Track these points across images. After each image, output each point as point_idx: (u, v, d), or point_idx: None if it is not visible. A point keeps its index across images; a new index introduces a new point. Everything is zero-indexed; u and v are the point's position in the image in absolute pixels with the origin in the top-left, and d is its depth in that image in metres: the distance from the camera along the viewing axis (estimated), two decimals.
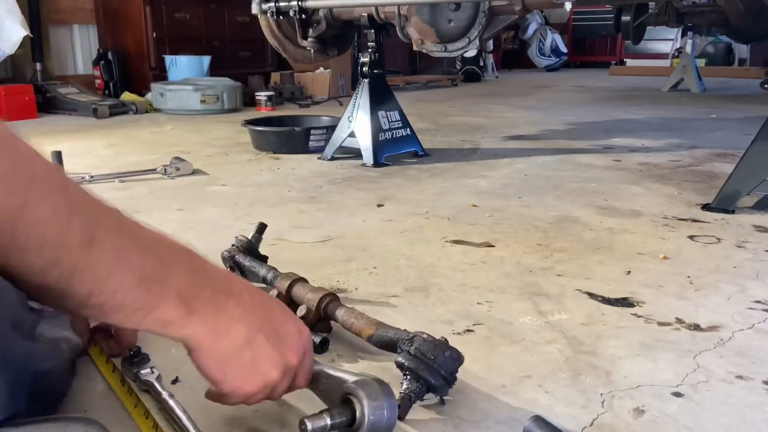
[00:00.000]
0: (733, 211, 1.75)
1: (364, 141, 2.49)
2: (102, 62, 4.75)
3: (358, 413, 0.68)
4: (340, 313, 0.97)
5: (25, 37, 3.89)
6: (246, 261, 1.16)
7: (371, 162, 2.45)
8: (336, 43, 2.82)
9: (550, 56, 9.43)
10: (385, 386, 0.70)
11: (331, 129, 2.69)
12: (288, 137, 2.75)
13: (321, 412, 0.68)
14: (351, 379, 0.71)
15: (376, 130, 2.49)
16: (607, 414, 0.80)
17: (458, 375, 0.83)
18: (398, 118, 2.60)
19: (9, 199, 0.47)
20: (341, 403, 0.70)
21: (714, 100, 4.91)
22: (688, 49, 5.64)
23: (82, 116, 4.12)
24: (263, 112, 4.28)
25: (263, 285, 1.15)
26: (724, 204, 1.76)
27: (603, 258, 1.40)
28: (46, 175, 0.50)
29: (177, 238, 0.64)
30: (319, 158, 2.60)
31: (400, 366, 0.83)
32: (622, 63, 9.42)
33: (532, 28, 9.33)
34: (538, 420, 0.72)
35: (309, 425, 0.66)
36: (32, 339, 0.65)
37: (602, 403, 0.83)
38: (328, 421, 0.67)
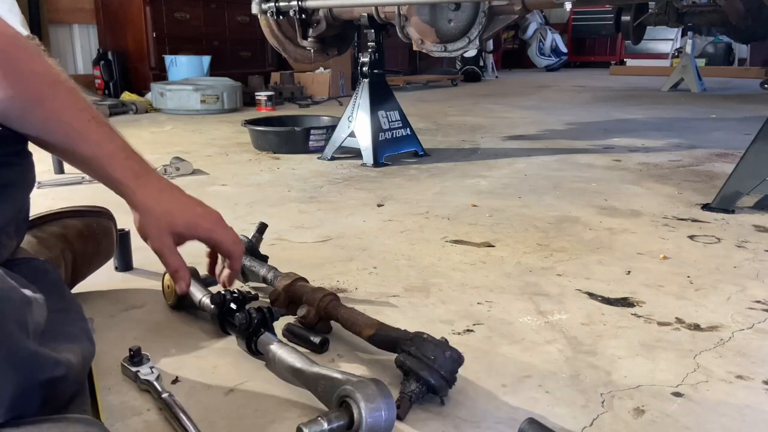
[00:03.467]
0: (733, 211, 1.75)
1: (364, 141, 2.49)
2: (102, 62, 4.75)
3: (355, 416, 0.67)
4: (340, 313, 0.97)
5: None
6: (246, 261, 1.16)
7: (371, 162, 2.45)
8: (336, 43, 2.82)
9: (550, 56, 9.43)
10: (381, 387, 0.70)
11: (331, 129, 2.69)
12: (288, 137, 2.75)
13: (318, 417, 0.68)
14: (348, 380, 0.71)
15: (376, 130, 2.49)
16: (607, 414, 0.80)
17: (458, 375, 0.83)
18: (398, 118, 2.60)
19: (43, 88, 0.78)
20: (339, 406, 0.70)
21: (714, 100, 4.91)
22: (688, 49, 5.64)
23: None
24: (263, 112, 4.28)
25: (264, 285, 1.15)
26: (724, 204, 1.76)
27: (603, 258, 1.40)
28: (66, 79, 0.82)
29: None
30: (319, 158, 2.60)
31: (400, 366, 0.83)
32: (622, 63, 9.42)
33: (532, 28, 9.33)
34: (533, 423, 0.72)
35: (306, 431, 0.66)
36: (40, 343, 0.64)
37: (602, 403, 0.83)
38: (326, 426, 0.67)
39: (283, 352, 0.84)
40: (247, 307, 0.95)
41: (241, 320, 0.91)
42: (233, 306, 0.96)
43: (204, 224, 0.90)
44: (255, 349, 0.90)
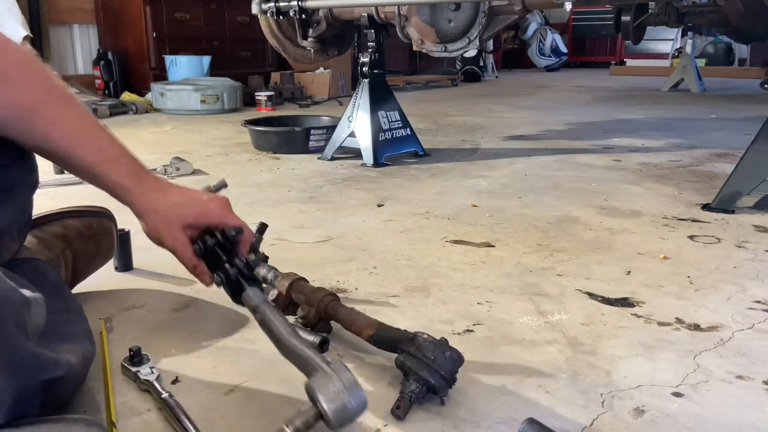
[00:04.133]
0: (733, 211, 1.75)
1: (364, 141, 2.49)
2: (102, 62, 4.75)
3: (322, 413, 0.68)
4: (340, 313, 0.97)
5: (25, 37, 3.89)
6: None
7: (371, 162, 2.45)
8: (336, 43, 2.82)
9: (550, 56, 9.42)
10: (345, 376, 0.69)
11: (331, 129, 2.69)
12: (288, 137, 2.75)
13: (283, 426, 0.68)
14: (311, 370, 0.71)
15: (376, 130, 2.49)
16: (607, 414, 0.80)
17: (458, 375, 0.83)
18: (398, 118, 2.60)
19: (37, 97, 0.77)
20: (310, 398, 0.70)
21: (714, 100, 4.91)
22: (688, 49, 5.64)
23: None
24: (263, 112, 4.28)
25: (264, 285, 1.15)
26: (724, 204, 1.76)
27: (603, 258, 1.40)
28: (61, 86, 0.81)
29: None
30: (319, 158, 2.60)
31: (400, 366, 0.83)
32: (622, 63, 9.42)
33: (532, 28, 9.32)
34: (533, 423, 0.72)
35: None
36: (39, 344, 0.64)
37: (602, 403, 0.83)
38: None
39: (267, 316, 0.82)
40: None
41: (218, 281, 0.90)
42: (218, 251, 0.91)
43: (214, 210, 0.90)
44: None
